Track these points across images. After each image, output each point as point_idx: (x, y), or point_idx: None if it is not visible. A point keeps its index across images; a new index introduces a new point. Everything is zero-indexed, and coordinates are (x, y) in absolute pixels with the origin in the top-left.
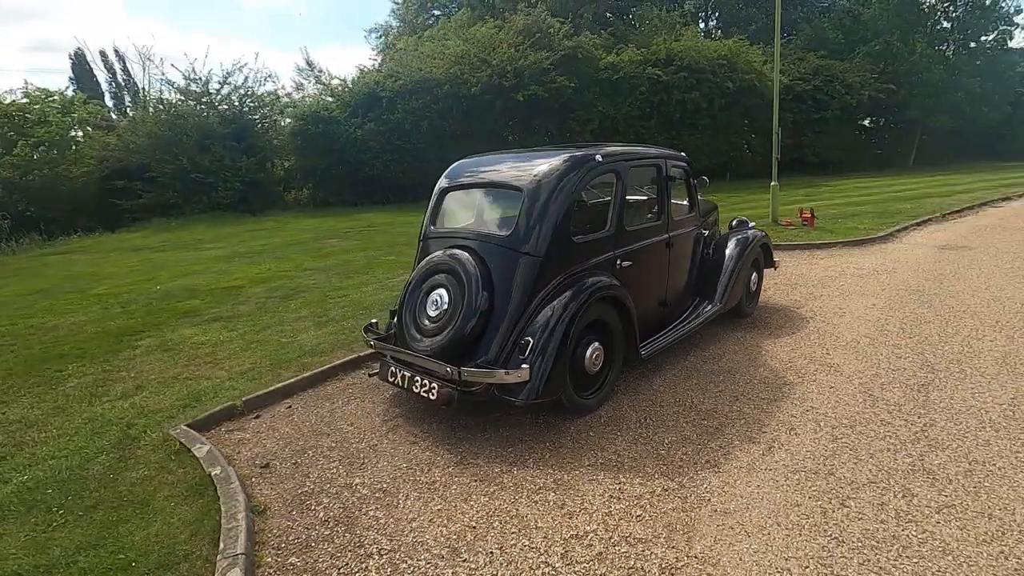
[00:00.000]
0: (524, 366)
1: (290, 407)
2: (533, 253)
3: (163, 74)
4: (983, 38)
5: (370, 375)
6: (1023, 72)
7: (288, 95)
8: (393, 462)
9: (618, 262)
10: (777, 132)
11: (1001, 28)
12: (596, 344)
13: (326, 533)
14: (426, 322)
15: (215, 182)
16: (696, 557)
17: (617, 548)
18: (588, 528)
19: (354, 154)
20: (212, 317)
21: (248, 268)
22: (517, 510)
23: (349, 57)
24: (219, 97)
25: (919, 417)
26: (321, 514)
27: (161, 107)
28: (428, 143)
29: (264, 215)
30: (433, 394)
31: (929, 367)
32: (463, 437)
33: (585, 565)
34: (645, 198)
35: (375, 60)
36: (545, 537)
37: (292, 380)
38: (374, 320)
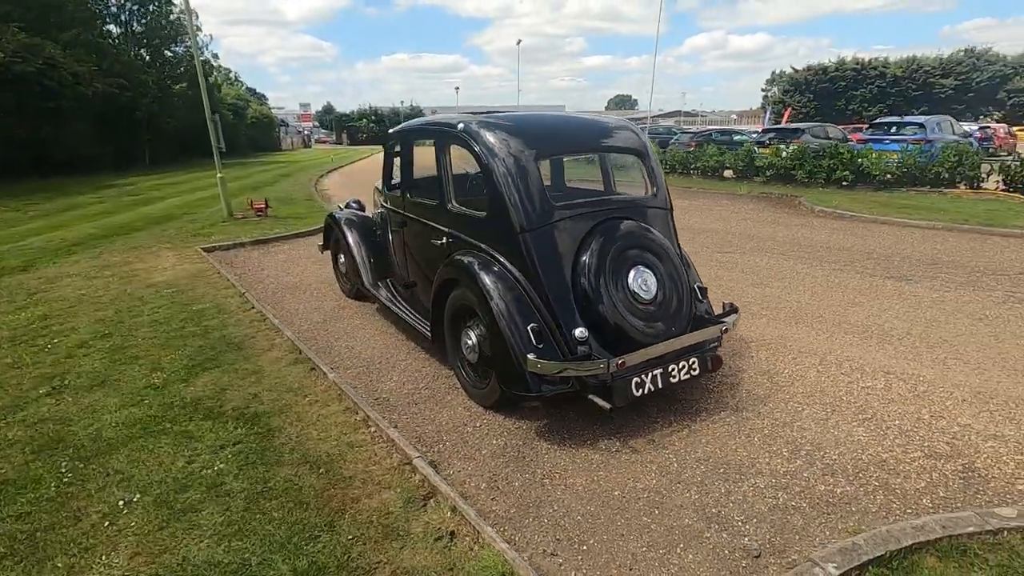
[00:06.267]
0: (728, 301)
1: None
2: (669, 208)
3: None
4: (176, 48)
5: (610, 410)
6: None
7: None
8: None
9: None
10: (214, 120)
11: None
12: None
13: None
14: (641, 307)
15: None
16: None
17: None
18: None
19: None
20: None
21: None
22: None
23: None
24: None
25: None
26: None
27: None
28: None
29: None
30: (695, 368)
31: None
32: (663, 427)
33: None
34: None
35: None
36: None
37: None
38: (531, 361)
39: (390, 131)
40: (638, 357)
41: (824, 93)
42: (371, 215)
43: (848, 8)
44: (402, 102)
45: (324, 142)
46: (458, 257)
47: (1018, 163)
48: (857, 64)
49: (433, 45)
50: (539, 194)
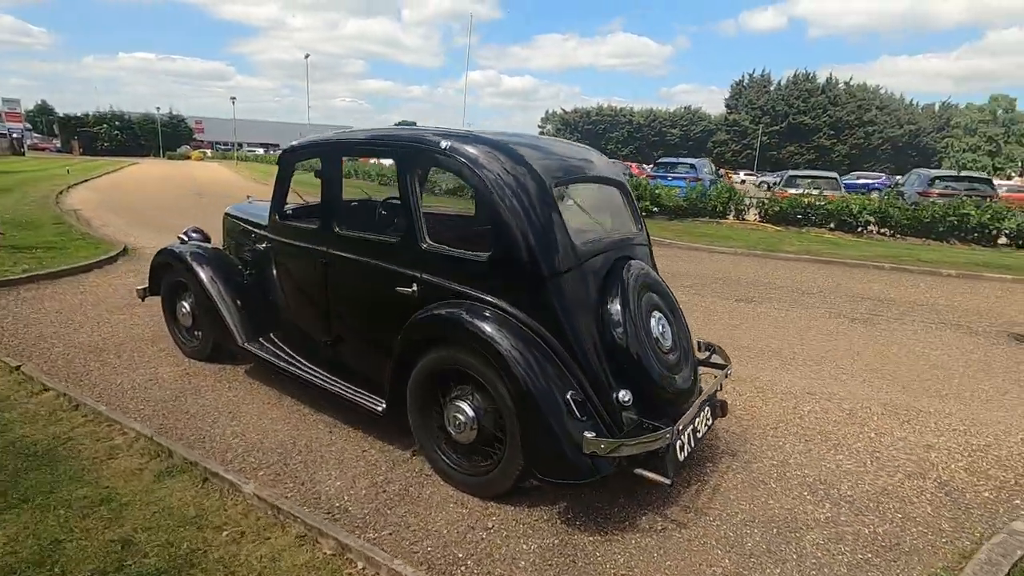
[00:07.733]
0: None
1: None
2: (650, 243)
3: None
4: None
5: (669, 480)
6: None
7: None
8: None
9: None
10: None
11: None
12: None
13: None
14: (666, 356)
15: None
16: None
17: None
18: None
19: None
20: None
21: None
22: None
23: None
24: None
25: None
26: None
27: None
28: None
29: None
30: (709, 419)
31: None
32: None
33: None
34: None
35: None
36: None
37: None
38: (589, 441)
39: (298, 143)
40: (688, 417)
41: (588, 133)
42: (223, 247)
43: (594, 63)
44: (158, 108)
45: (42, 149)
46: (442, 310)
47: (770, 201)
48: (612, 111)
49: (187, 48)
50: (563, 230)
